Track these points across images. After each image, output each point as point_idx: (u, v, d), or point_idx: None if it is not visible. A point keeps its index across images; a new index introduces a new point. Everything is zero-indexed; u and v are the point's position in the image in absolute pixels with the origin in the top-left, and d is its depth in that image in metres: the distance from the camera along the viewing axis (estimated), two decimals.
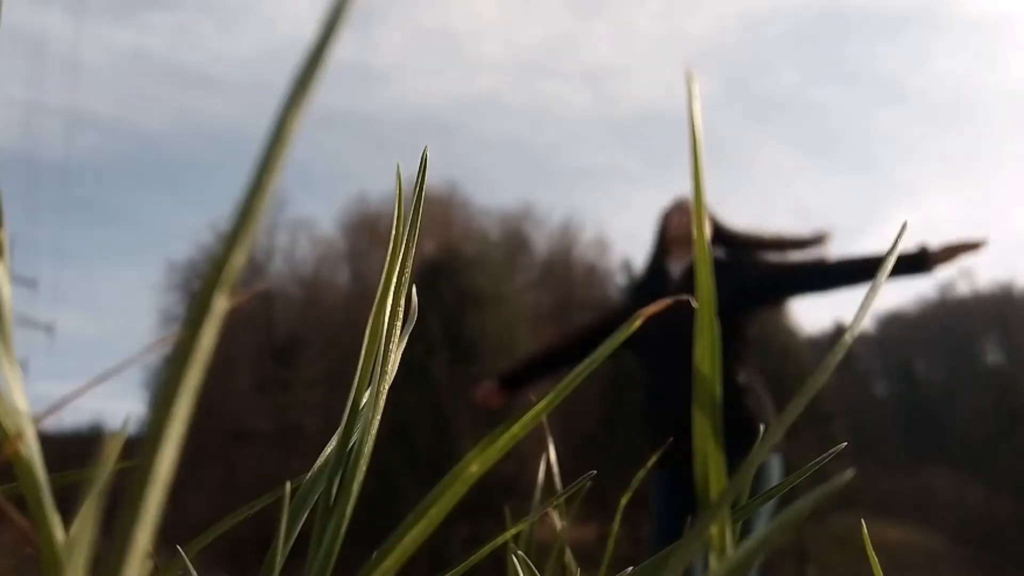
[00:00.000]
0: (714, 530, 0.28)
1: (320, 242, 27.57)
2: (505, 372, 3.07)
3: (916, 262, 2.66)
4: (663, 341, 2.61)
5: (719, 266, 2.84)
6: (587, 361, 0.34)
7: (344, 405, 0.39)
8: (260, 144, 0.19)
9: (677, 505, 2.71)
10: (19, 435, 0.27)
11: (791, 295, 2.87)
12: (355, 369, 0.39)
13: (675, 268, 2.96)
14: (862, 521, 0.45)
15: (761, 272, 2.83)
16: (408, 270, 0.41)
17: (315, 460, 0.39)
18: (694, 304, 0.31)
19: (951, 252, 2.66)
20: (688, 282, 2.87)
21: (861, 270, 2.71)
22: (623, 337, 0.35)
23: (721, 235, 2.95)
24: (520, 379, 3.05)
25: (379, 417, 0.38)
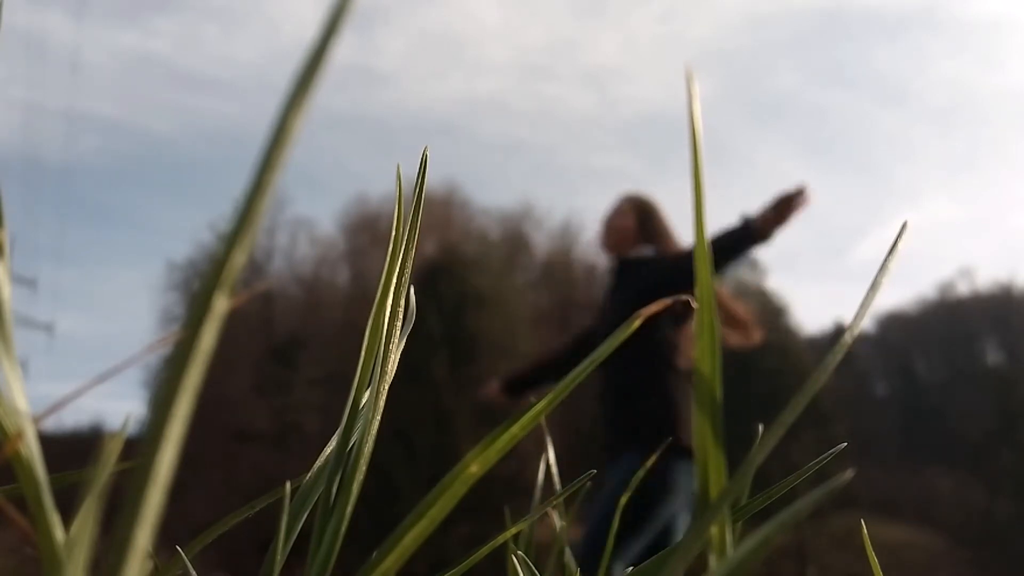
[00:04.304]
0: (714, 530, 0.28)
1: (320, 242, 27.56)
2: (509, 376, 3.13)
3: (743, 234, 2.61)
4: (597, 340, 2.57)
5: (641, 264, 2.84)
6: (585, 363, 0.34)
7: (344, 405, 0.39)
8: (261, 145, 0.19)
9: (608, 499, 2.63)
10: (19, 435, 0.27)
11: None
12: (355, 369, 0.39)
13: (610, 273, 3.00)
14: (862, 521, 0.45)
15: (670, 266, 2.77)
16: (408, 270, 0.41)
17: (315, 460, 0.39)
18: (693, 303, 0.31)
19: (776, 210, 2.61)
20: (615, 284, 2.90)
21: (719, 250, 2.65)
22: (618, 341, 0.35)
23: (651, 233, 2.91)
24: (525, 385, 3.10)
25: (379, 417, 0.38)
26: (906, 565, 23.85)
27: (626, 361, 2.60)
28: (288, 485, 0.37)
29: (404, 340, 0.41)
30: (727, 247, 2.62)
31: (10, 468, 0.27)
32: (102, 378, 0.36)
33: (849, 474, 0.24)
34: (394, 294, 0.40)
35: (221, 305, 0.19)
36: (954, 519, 27.65)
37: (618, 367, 2.65)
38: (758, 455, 0.27)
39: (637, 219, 2.91)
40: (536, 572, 0.47)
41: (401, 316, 0.41)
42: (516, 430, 0.33)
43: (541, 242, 28.59)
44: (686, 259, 2.76)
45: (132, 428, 0.34)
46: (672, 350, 2.73)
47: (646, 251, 2.87)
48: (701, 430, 0.28)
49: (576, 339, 3.14)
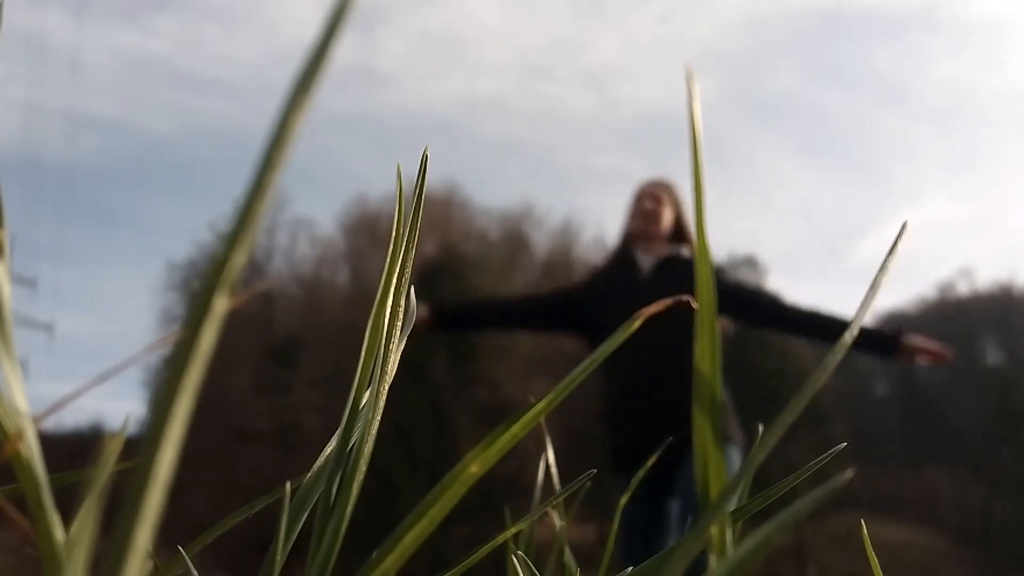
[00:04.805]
0: (714, 530, 0.28)
1: (320, 242, 27.57)
2: (445, 308, 2.84)
3: (885, 345, 2.56)
4: (611, 323, 2.47)
5: (687, 263, 2.72)
6: (587, 361, 0.34)
7: (344, 405, 0.39)
8: (261, 145, 0.19)
9: (643, 520, 2.55)
10: (19, 435, 0.27)
11: (744, 318, 2.73)
12: (355, 369, 0.39)
13: (644, 259, 2.79)
14: (862, 521, 0.45)
15: (721, 283, 2.63)
16: (408, 270, 0.41)
17: (315, 460, 0.39)
18: (692, 304, 0.31)
19: (917, 351, 2.60)
20: (658, 276, 2.72)
21: (826, 329, 2.58)
22: (617, 343, 0.35)
23: (683, 232, 2.83)
24: (456, 321, 2.87)
25: (379, 417, 0.38)
26: (906, 565, 23.84)
27: (683, 349, 2.57)
28: (288, 485, 0.37)
29: (404, 340, 0.41)
30: (867, 343, 2.58)
31: (10, 468, 0.27)
32: (102, 378, 0.36)
33: (849, 474, 0.24)
34: (394, 294, 0.40)
35: (221, 305, 0.19)
36: (954, 519, 27.64)
37: (674, 354, 2.48)
38: (758, 455, 0.27)
39: (675, 214, 2.85)
40: (536, 572, 0.47)
41: (401, 316, 0.41)
42: (516, 430, 0.33)
43: (541, 242, 28.62)
44: (755, 292, 2.76)
45: (132, 428, 0.34)
46: None
47: (685, 251, 2.79)
48: (701, 430, 0.28)
49: (554, 299, 2.92)
